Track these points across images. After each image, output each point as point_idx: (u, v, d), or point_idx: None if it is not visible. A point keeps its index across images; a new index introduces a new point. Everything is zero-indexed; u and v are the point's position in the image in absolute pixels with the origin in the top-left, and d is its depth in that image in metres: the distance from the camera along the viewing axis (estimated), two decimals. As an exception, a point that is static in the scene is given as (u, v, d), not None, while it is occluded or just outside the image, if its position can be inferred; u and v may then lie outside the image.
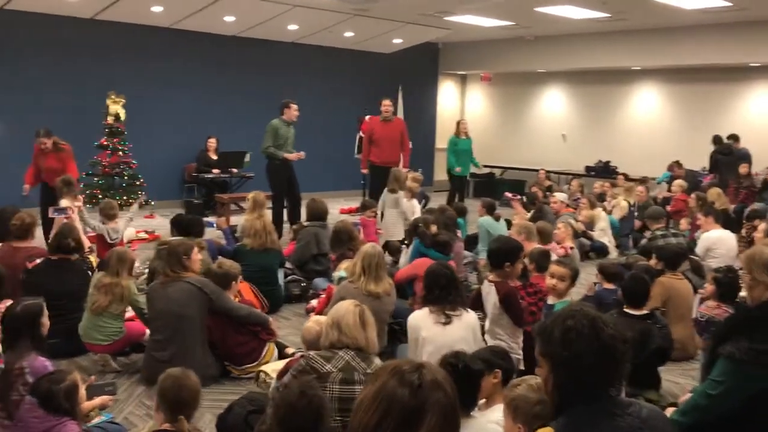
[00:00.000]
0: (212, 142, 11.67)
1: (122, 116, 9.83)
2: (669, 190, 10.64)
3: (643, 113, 13.98)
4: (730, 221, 8.23)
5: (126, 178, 9.87)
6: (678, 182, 10.29)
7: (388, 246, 7.49)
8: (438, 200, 11.39)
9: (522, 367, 4.10)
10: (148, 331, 4.77)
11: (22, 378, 3.26)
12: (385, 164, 9.38)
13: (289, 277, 6.64)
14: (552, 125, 15.35)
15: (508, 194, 13.66)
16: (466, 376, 2.86)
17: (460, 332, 3.89)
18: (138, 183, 9.94)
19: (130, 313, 4.93)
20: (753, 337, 2.72)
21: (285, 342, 5.11)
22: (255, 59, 12.73)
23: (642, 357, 4.04)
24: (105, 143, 9.76)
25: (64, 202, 6.92)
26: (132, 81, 10.96)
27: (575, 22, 11.66)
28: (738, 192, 10.50)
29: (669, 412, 3.03)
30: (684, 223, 8.61)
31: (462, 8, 10.71)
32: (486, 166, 15.44)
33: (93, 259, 5.19)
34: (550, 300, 4.51)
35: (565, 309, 1.99)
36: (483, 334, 4.22)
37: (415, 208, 8.53)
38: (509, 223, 8.03)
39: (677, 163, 11.83)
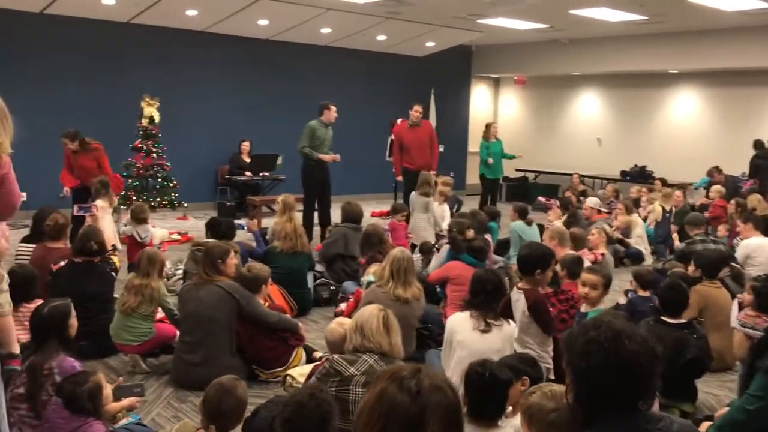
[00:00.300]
0: (246, 146, 11.75)
1: (156, 119, 9.94)
2: (707, 196, 10.41)
3: (680, 117, 13.71)
4: (770, 228, 8.00)
5: (159, 179, 9.97)
6: (716, 188, 10.05)
7: (422, 246, 7.43)
8: (471, 204, 11.31)
9: (552, 377, 4.01)
10: (178, 333, 4.79)
11: (51, 378, 3.28)
12: (418, 169, 9.35)
13: (319, 281, 6.63)
14: (587, 129, 15.15)
15: (542, 199, 13.59)
16: (493, 385, 2.80)
17: (497, 343, 3.84)
18: (171, 185, 10.04)
19: (161, 314, 4.95)
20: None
21: (313, 346, 5.09)
22: (288, 62, 12.79)
23: (677, 367, 3.93)
24: (139, 145, 9.87)
25: (100, 203, 7.03)
26: (166, 84, 11.09)
27: (611, 25, 11.49)
28: (779, 198, 10.21)
29: (705, 426, 2.93)
30: (722, 230, 8.39)
31: (495, 11, 10.62)
32: (519, 170, 15.32)
33: (116, 260, 5.21)
34: (583, 308, 4.42)
35: (594, 319, 1.93)
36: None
37: (445, 213, 8.46)
38: (542, 228, 7.92)
39: (717, 169, 11.57)
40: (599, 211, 9.06)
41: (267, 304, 4.95)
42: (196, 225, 10.05)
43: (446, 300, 5.63)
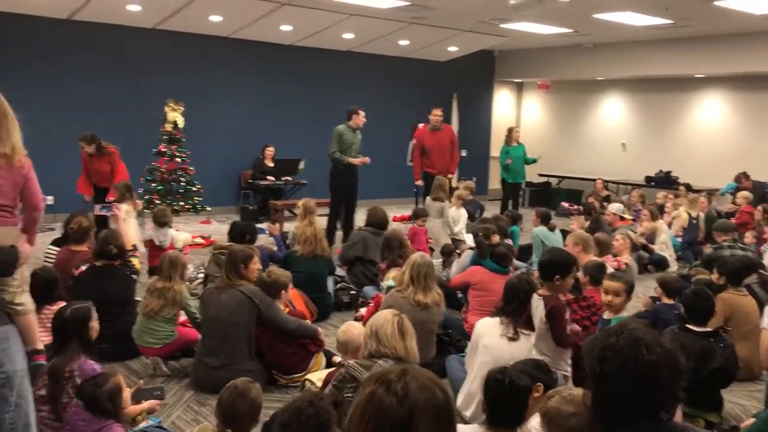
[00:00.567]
0: (270, 151, 11.81)
1: (180, 124, 10.03)
2: (733, 202, 10.25)
3: (706, 122, 13.53)
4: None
5: (183, 184, 10.05)
6: (743, 194, 9.90)
7: (442, 249, 7.40)
8: (493, 209, 11.25)
9: (570, 384, 3.97)
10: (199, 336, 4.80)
11: (71, 381, 3.31)
12: (439, 173, 9.34)
13: (339, 285, 6.63)
14: (611, 134, 15.01)
15: (565, 204, 13.48)
16: (512, 393, 2.77)
17: (523, 352, 3.82)
18: (195, 189, 10.11)
19: (184, 317, 4.98)
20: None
21: (333, 351, 5.07)
22: (310, 68, 12.84)
23: (702, 377, 3.85)
24: (163, 150, 9.96)
25: (124, 207, 7.10)
26: (191, 89, 11.19)
27: (636, 29, 11.37)
28: (808, 204, 10.02)
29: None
30: (749, 237, 8.26)
31: (518, 15, 10.57)
32: (542, 175, 15.21)
33: (136, 262, 5.25)
34: (606, 315, 4.35)
35: (619, 325, 1.91)
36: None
37: (460, 217, 8.42)
38: (565, 234, 7.85)
39: (744, 174, 11.39)
40: (622, 218, 8.96)
41: (287, 309, 4.96)
42: (219, 229, 10.12)
43: (468, 305, 5.60)
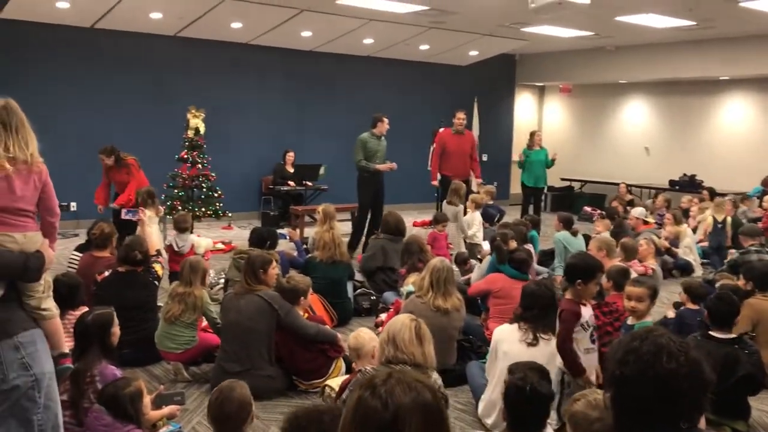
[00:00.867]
0: (290, 156, 11.85)
1: (202, 130, 10.09)
2: (760, 206, 10.08)
3: (731, 125, 13.34)
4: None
5: (205, 190, 10.11)
6: (769, 197, 9.74)
7: (456, 257, 7.38)
8: (515, 213, 11.18)
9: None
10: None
11: (93, 386, 3.33)
12: (457, 177, 9.30)
13: (359, 290, 6.62)
14: (634, 137, 14.85)
15: (588, 208, 13.35)
16: (535, 399, 2.73)
17: (544, 357, 3.76)
18: (216, 195, 10.17)
19: (206, 323, 4.99)
20: None
21: (353, 356, 5.06)
22: (330, 73, 12.87)
23: (727, 385, 3.77)
24: (185, 156, 10.03)
25: (147, 213, 7.14)
26: (212, 95, 11.26)
27: (659, 31, 11.25)
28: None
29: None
30: (777, 241, 8.12)
31: (540, 19, 10.50)
32: (564, 179, 15.10)
33: (158, 267, 5.27)
34: (630, 320, 4.29)
35: (644, 330, 1.87)
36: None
37: (474, 221, 8.39)
38: (587, 239, 7.77)
39: (771, 178, 11.22)
40: (645, 221, 8.85)
41: (307, 315, 4.95)
42: (240, 234, 10.16)
43: (488, 312, 5.55)
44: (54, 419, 2.64)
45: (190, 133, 10.08)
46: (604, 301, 4.65)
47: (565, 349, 3.69)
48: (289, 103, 12.52)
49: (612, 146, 15.25)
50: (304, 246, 7.42)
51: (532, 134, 11.52)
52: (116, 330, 3.60)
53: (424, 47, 12.63)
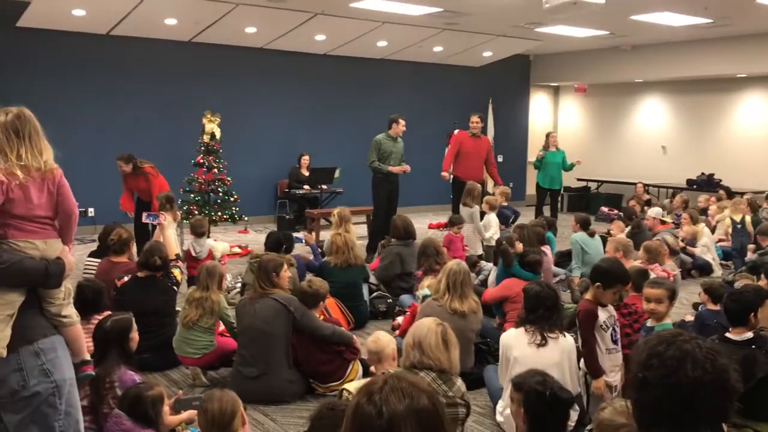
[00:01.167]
0: (306, 159, 11.88)
1: (218, 135, 10.13)
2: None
3: (749, 123, 13.20)
4: None
5: (221, 194, 10.15)
6: (789, 196, 9.62)
7: (467, 260, 7.33)
8: (530, 215, 11.12)
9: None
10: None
11: (112, 391, 3.35)
12: (470, 180, 9.26)
13: (375, 294, 6.61)
14: (651, 137, 14.74)
15: (605, 209, 13.26)
16: (555, 405, 2.71)
17: (555, 356, 3.75)
18: (232, 199, 10.21)
19: (224, 327, 5.00)
20: None
21: (370, 360, 5.05)
22: (345, 76, 12.89)
23: (748, 387, 3.72)
24: (201, 161, 10.08)
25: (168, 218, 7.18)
26: (227, 100, 11.32)
27: (675, 30, 11.17)
28: None
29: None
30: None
31: (554, 19, 10.45)
32: (581, 180, 15.00)
33: (177, 273, 5.29)
34: (650, 322, 4.24)
35: (672, 332, 1.83)
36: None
37: (491, 222, 8.35)
38: (604, 240, 7.71)
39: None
40: (662, 222, 8.77)
41: (322, 317, 4.95)
42: (256, 238, 10.19)
43: (505, 317, 5.49)
44: (75, 425, 2.65)
45: (206, 138, 10.12)
46: (623, 302, 4.61)
47: (585, 351, 3.67)
48: (304, 107, 12.55)
49: (628, 146, 15.15)
50: (319, 249, 7.42)
51: (548, 136, 11.46)
52: (135, 335, 3.62)
53: (437, 49, 12.62)
